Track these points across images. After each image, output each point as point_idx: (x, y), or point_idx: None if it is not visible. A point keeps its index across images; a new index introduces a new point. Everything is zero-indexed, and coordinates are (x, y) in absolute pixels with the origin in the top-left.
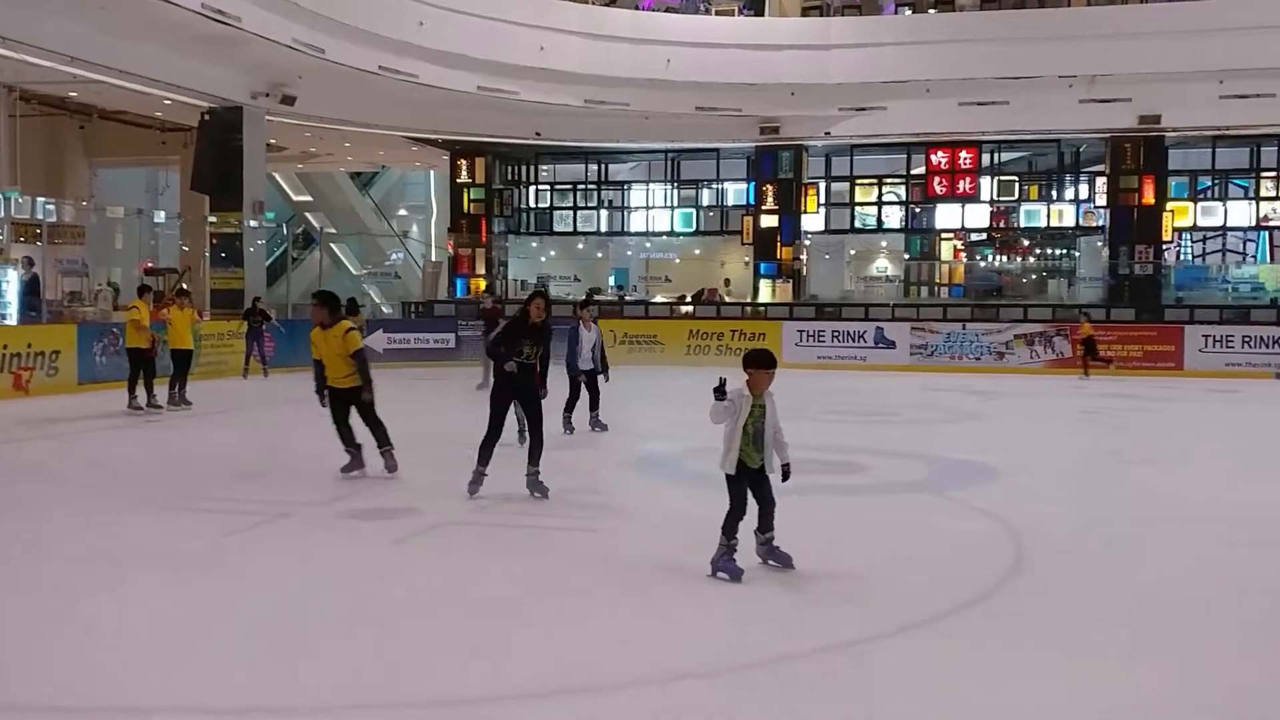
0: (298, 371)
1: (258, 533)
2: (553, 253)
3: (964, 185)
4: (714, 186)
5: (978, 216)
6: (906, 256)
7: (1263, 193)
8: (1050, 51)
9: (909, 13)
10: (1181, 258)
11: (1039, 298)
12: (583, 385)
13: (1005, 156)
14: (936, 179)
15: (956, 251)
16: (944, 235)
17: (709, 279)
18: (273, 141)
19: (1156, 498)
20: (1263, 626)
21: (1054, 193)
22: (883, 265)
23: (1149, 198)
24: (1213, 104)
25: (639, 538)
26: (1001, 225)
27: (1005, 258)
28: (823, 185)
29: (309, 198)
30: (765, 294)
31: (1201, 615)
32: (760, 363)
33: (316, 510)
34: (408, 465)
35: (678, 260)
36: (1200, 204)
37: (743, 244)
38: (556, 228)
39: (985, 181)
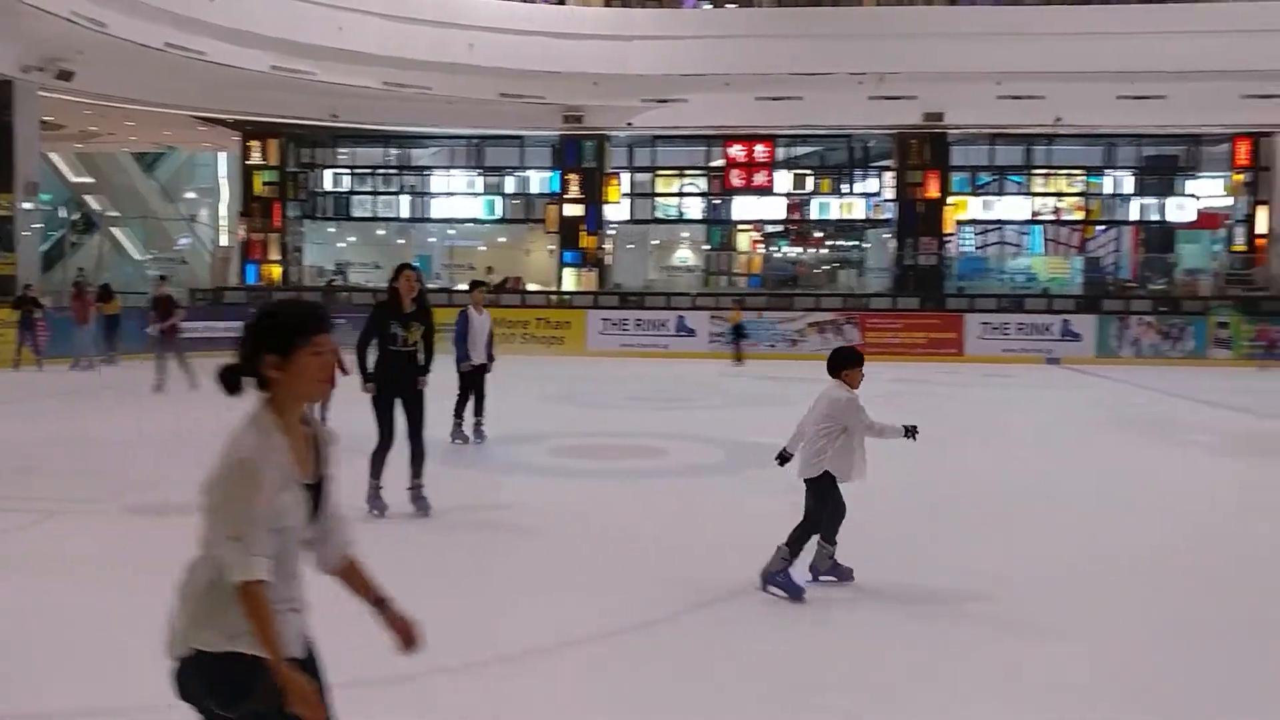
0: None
1: (31, 532)
2: (352, 239)
3: (760, 178)
4: (518, 174)
5: (773, 208)
6: (707, 247)
7: (1036, 189)
8: (842, 49)
9: (708, 7)
10: (963, 249)
11: (830, 287)
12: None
13: (799, 150)
14: (734, 171)
15: (754, 242)
16: (741, 226)
17: (514, 267)
18: (49, 119)
19: (937, 472)
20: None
21: (845, 186)
22: (684, 255)
23: (933, 192)
24: (991, 104)
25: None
26: (796, 217)
27: (800, 249)
28: (626, 175)
29: (89, 179)
30: (570, 283)
31: (994, 583)
32: (860, 360)
33: (90, 508)
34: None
35: (482, 248)
36: (980, 199)
37: (547, 232)
38: (355, 213)
39: (780, 175)
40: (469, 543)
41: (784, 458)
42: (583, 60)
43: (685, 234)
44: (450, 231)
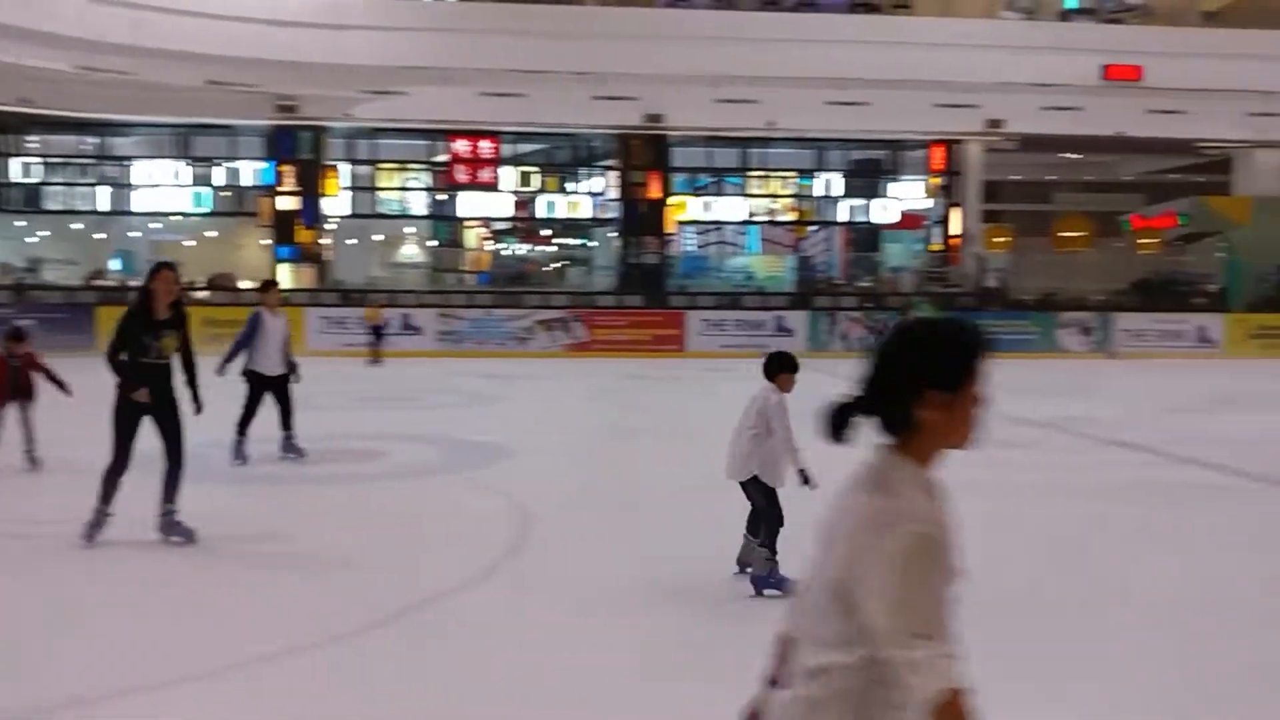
0: None
1: None
2: (45, 233)
3: (485, 175)
4: (228, 165)
5: (500, 205)
6: (434, 243)
7: (752, 190)
8: (563, 49)
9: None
10: (685, 249)
11: (558, 285)
12: (269, 395)
13: (525, 148)
14: (459, 167)
15: (481, 239)
16: (468, 223)
17: (225, 263)
18: None
19: (654, 465)
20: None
21: (571, 185)
22: (411, 251)
23: (655, 192)
24: (708, 107)
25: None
26: (524, 215)
27: (529, 247)
28: (346, 168)
29: None
30: (285, 279)
31: (694, 569)
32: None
33: None
34: None
35: (190, 243)
36: (700, 199)
37: (260, 226)
38: (48, 206)
39: (506, 171)
40: (168, 559)
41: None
42: (295, 49)
43: (411, 230)
44: (154, 225)
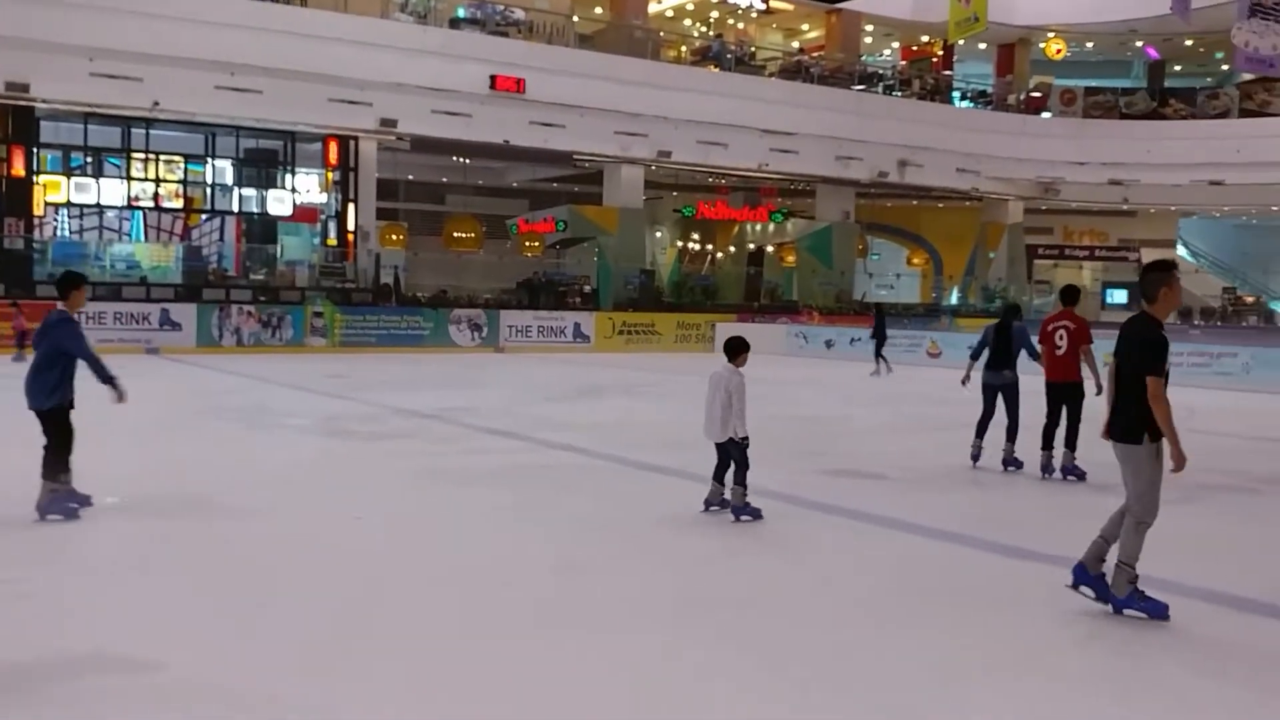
0: None
1: None
2: None
3: None
4: None
5: None
6: None
7: (135, 173)
8: None
9: None
10: (59, 233)
11: None
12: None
13: None
14: None
15: None
16: None
17: None
18: None
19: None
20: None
21: None
22: None
23: (19, 170)
24: (85, 80)
25: None
26: None
27: None
28: None
29: None
30: None
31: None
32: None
33: None
34: None
35: None
36: (75, 180)
37: None
38: None
39: None
40: None
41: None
42: None
43: None
44: None
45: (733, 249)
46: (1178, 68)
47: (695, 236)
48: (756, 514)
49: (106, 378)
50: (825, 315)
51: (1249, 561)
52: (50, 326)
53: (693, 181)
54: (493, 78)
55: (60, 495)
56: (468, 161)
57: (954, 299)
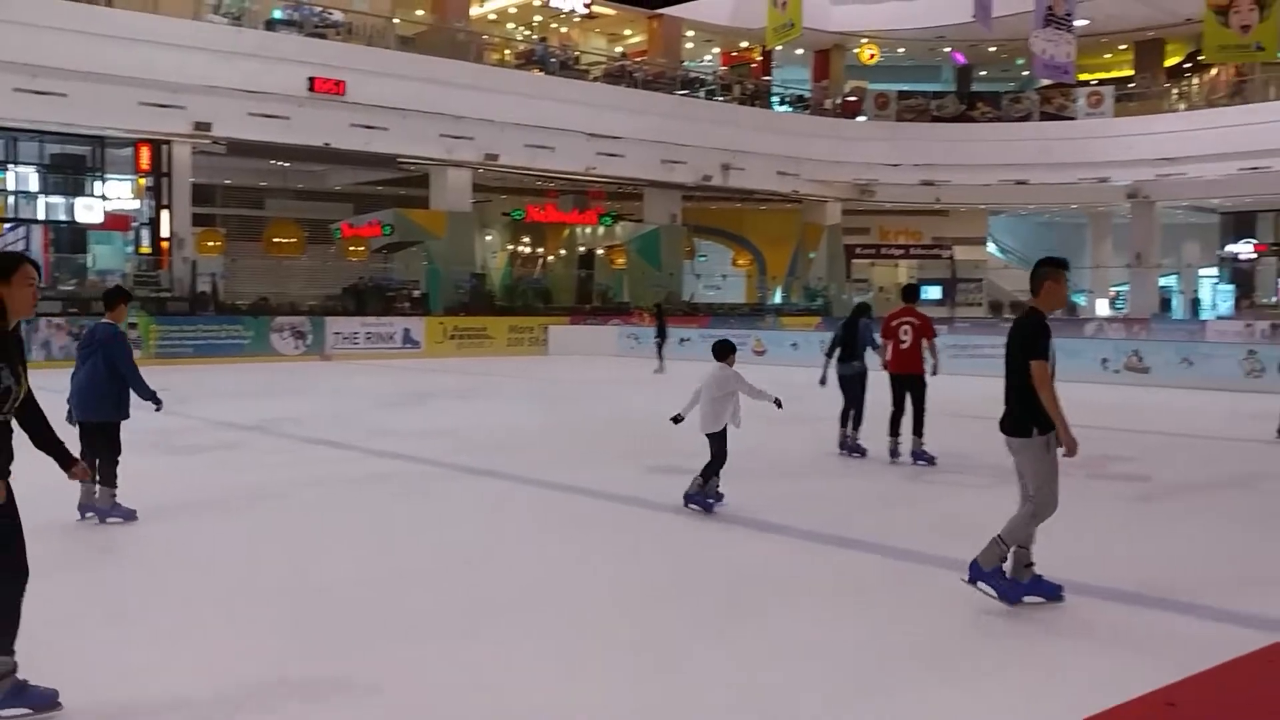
0: None
1: None
2: None
3: None
4: None
5: None
6: None
7: None
8: None
9: None
10: None
11: None
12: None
13: None
14: None
15: None
16: None
17: None
18: None
19: None
20: None
21: None
22: None
23: None
24: None
25: None
26: None
27: None
28: None
29: None
30: None
31: None
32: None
33: None
34: None
35: None
36: None
37: None
38: None
39: None
40: None
41: (678, 419)
42: None
43: None
44: None
45: (564, 252)
46: (984, 72)
47: (526, 239)
48: (707, 507)
49: (148, 394)
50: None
51: (1061, 542)
52: (100, 341)
53: (521, 185)
54: (311, 80)
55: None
56: (288, 165)
57: (778, 298)
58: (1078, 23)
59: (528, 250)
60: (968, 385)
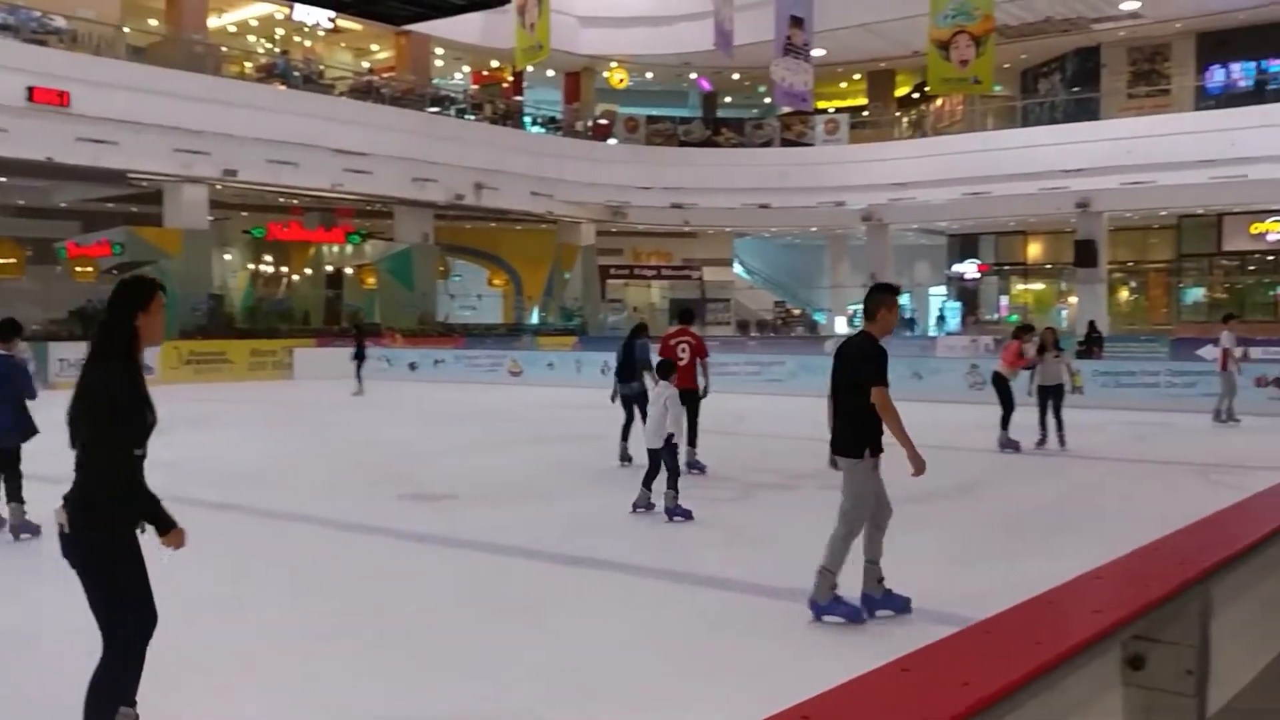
0: None
1: None
2: None
3: None
4: None
5: None
6: None
7: None
8: None
9: None
10: None
11: None
12: None
13: None
14: None
15: None
16: None
17: None
18: None
19: None
20: None
21: None
22: None
23: None
24: None
25: None
26: None
27: None
28: None
29: None
30: None
31: None
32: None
33: None
34: None
35: None
36: None
37: None
38: None
39: None
40: None
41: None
42: None
43: None
44: None
45: (310, 271)
46: (728, 99)
47: (269, 258)
48: (687, 515)
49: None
50: (409, 337)
51: (789, 551)
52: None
53: (263, 202)
54: (30, 89)
55: None
56: (5, 180)
57: (535, 318)
58: (815, 53)
59: (271, 270)
60: (717, 401)
